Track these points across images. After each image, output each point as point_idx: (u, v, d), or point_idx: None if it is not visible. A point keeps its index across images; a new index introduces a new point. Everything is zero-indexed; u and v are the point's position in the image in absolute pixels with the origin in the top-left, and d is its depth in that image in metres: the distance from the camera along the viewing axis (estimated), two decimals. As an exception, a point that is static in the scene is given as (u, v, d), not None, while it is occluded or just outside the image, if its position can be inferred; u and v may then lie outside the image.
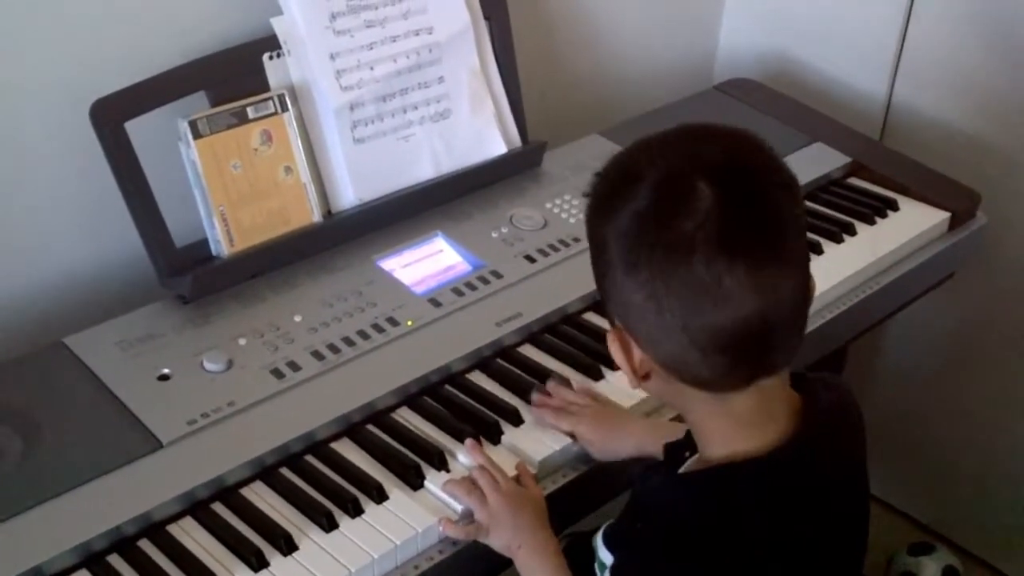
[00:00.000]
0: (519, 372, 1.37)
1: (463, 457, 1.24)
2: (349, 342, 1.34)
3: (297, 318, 1.37)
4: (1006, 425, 2.13)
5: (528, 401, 1.32)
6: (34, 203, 1.42)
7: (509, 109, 1.66)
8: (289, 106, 1.45)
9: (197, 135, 1.37)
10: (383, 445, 1.25)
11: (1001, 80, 1.92)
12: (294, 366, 1.30)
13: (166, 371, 1.28)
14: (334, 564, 1.11)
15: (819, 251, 1.62)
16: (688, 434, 1.05)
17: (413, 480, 1.21)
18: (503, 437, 1.27)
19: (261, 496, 1.19)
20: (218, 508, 1.17)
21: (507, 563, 1.17)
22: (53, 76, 1.37)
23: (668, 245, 0.89)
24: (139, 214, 1.35)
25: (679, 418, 1.18)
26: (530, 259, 1.52)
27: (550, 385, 1.33)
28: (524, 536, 1.14)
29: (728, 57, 2.25)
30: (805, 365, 1.31)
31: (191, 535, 1.14)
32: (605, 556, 1.04)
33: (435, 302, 1.42)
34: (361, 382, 1.30)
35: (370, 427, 1.28)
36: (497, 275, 1.48)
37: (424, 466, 1.22)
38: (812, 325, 1.27)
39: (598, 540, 1.05)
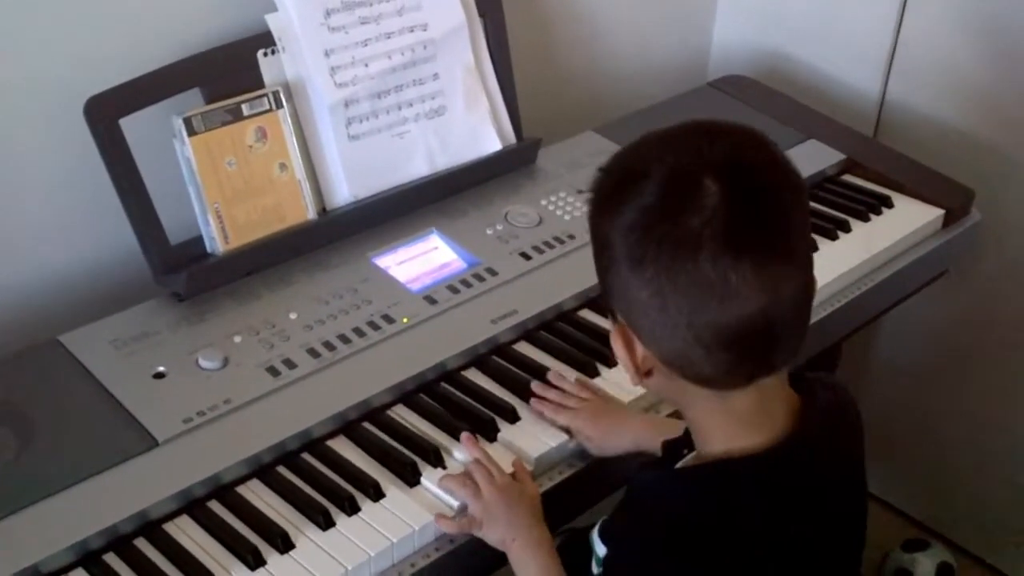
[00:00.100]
0: (515, 369, 1.37)
1: (459, 454, 1.24)
2: (345, 339, 1.34)
3: (292, 315, 1.37)
4: (1001, 422, 2.13)
5: (524, 399, 1.32)
6: (28, 200, 1.41)
7: (504, 106, 1.66)
8: (284, 103, 1.44)
9: (192, 132, 1.37)
10: (379, 443, 1.25)
11: (994, 77, 1.92)
12: (290, 364, 1.30)
13: (161, 369, 1.28)
14: (331, 562, 1.11)
15: (814, 248, 1.62)
16: (686, 432, 1.05)
17: (409, 478, 1.20)
18: (499, 434, 1.27)
19: (258, 494, 1.18)
20: (215, 506, 1.17)
21: (503, 561, 1.17)
22: (48, 73, 1.37)
23: (675, 241, 0.89)
24: (134, 211, 1.35)
25: (677, 414, 1.18)
26: (525, 256, 1.52)
27: (549, 379, 1.33)
28: (518, 530, 1.14)
29: (722, 54, 2.25)
30: (799, 362, 1.31)
31: (188, 533, 1.14)
32: (600, 549, 1.04)
33: (430, 299, 1.42)
34: (357, 380, 1.30)
35: (366, 425, 1.28)
36: (492, 272, 1.48)
37: (420, 463, 1.22)
38: (807, 322, 1.28)
39: (594, 534, 1.05)
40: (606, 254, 0.95)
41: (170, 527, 1.14)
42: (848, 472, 1.04)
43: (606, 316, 1.39)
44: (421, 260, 1.50)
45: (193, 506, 1.16)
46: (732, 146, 0.92)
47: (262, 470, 1.21)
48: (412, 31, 1.55)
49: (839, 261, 1.60)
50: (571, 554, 1.16)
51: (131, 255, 1.38)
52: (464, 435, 1.24)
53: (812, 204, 1.73)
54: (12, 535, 1.08)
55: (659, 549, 0.96)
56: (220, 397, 1.25)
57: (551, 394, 1.31)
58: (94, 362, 1.27)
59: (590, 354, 1.39)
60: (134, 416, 1.21)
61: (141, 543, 1.12)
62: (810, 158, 1.81)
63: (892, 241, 1.67)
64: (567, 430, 1.27)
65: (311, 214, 1.48)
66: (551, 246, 1.54)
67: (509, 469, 1.21)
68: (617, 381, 1.35)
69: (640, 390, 1.30)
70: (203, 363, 1.29)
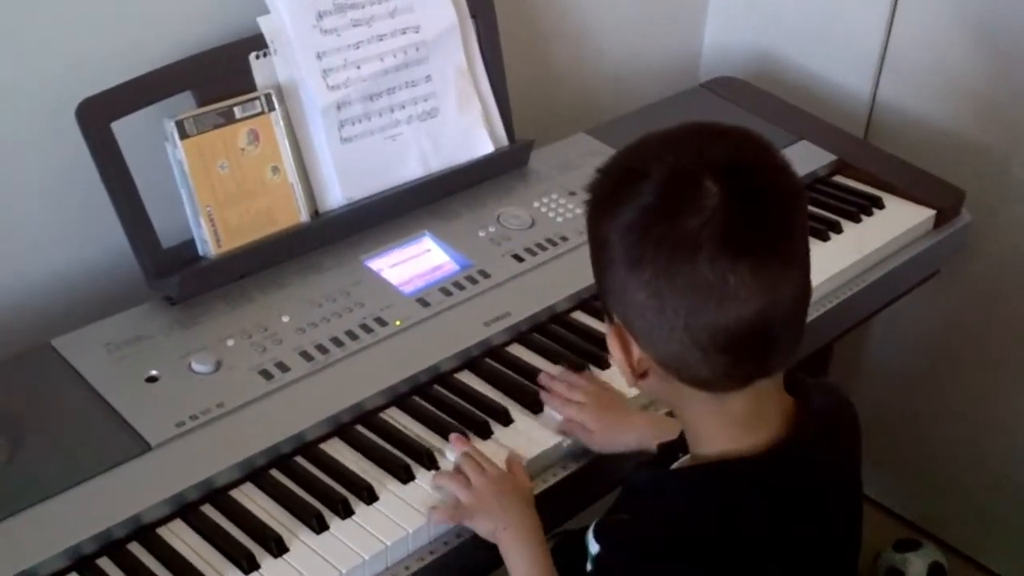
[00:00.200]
0: (508, 372, 1.37)
1: (452, 456, 1.23)
2: (338, 342, 1.34)
3: (285, 319, 1.36)
4: (991, 421, 2.14)
5: (518, 401, 1.32)
6: (19, 204, 1.41)
7: (496, 108, 1.66)
8: (276, 105, 1.44)
9: (184, 135, 1.37)
10: (373, 445, 1.25)
11: (985, 78, 1.93)
12: (283, 367, 1.30)
13: (154, 373, 1.27)
14: (325, 565, 1.11)
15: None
16: (682, 434, 1.05)
17: (403, 480, 1.20)
18: (492, 437, 1.27)
19: (251, 498, 1.18)
20: (208, 510, 1.16)
21: (497, 563, 1.17)
22: (39, 76, 1.36)
23: (673, 242, 0.88)
24: (126, 215, 1.35)
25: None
26: (518, 258, 1.52)
27: (559, 371, 1.33)
28: (509, 518, 1.14)
29: (713, 55, 2.25)
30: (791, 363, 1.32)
31: (181, 538, 1.13)
32: (594, 548, 1.04)
33: (423, 302, 1.42)
34: (350, 382, 1.30)
35: (359, 427, 1.28)
36: (485, 275, 1.48)
37: (414, 466, 1.22)
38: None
39: (589, 535, 1.05)
40: (604, 255, 0.94)
41: (164, 531, 1.14)
42: (845, 474, 1.04)
43: (600, 318, 1.40)
44: (414, 262, 1.50)
45: (186, 510, 1.16)
46: (732, 148, 0.92)
47: (255, 473, 1.21)
48: (404, 33, 1.55)
49: (830, 262, 1.61)
50: (564, 556, 1.16)
51: (123, 259, 1.38)
52: (453, 435, 1.24)
53: (803, 205, 1.73)
54: (5, 540, 1.08)
55: (659, 550, 0.96)
56: (213, 401, 1.25)
57: (558, 386, 1.31)
58: (86, 366, 1.27)
59: (583, 356, 1.39)
60: (127, 420, 1.21)
61: (135, 547, 1.12)
62: (801, 159, 1.80)
63: (883, 242, 1.67)
64: (564, 432, 1.27)
65: (303, 217, 1.48)
66: (544, 248, 1.54)
67: (502, 465, 1.21)
68: (612, 382, 1.34)
69: (636, 390, 1.30)
70: (196, 367, 1.29)
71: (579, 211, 1.57)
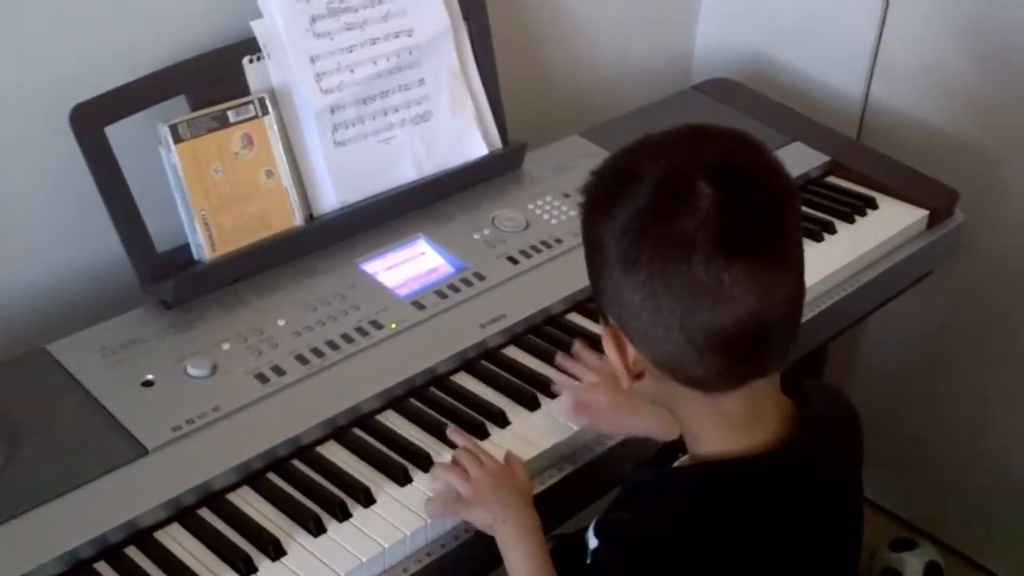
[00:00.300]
0: (504, 373, 1.37)
1: (449, 458, 1.23)
2: (333, 345, 1.34)
3: (280, 322, 1.36)
4: (986, 420, 2.15)
5: (515, 402, 1.32)
6: (13, 209, 1.41)
7: (489, 111, 1.66)
8: (270, 109, 1.44)
9: (178, 139, 1.37)
10: (369, 448, 1.25)
11: (977, 78, 1.94)
12: (278, 370, 1.30)
13: (150, 377, 1.27)
14: (323, 568, 1.11)
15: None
16: (681, 436, 1.05)
17: (400, 482, 1.20)
18: (489, 438, 1.27)
19: (248, 501, 1.18)
20: (205, 514, 1.16)
21: (496, 564, 1.17)
22: (33, 80, 1.36)
23: (668, 243, 0.89)
24: (120, 219, 1.35)
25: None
26: (513, 260, 1.52)
27: (576, 348, 1.34)
28: (507, 511, 1.14)
29: (706, 57, 2.25)
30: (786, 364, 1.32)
31: (178, 541, 1.13)
32: (592, 543, 1.03)
33: (418, 304, 1.42)
34: (346, 385, 1.30)
35: (356, 430, 1.28)
36: (480, 277, 1.48)
37: (411, 468, 1.22)
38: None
39: (590, 533, 1.05)
40: (599, 257, 0.95)
41: (161, 535, 1.14)
42: (845, 475, 1.04)
43: (595, 320, 1.40)
44: (409, 265, 1.50)
45: (184, 514, 1.16)
46: (726, 150, 0.92)
47: (252, 477, 1.21)
48: (397, 36, 1.55)
49: (824, 262, 1.61)
50: (562, 559, 1.16)
51: (118, 263, 1.38)
52: (451, 427, 1.24)
53: (797, 206, 1.74)
54: (2, 544, 1.08)
55: (659, 550, 0.96)
56: (209, 405, 1.24)
57: (573, 367, 1.31)
58: (82, 371, 1.27)
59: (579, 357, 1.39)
60: (123, 425, 1.21)
61: (132, 552, 1.12)
62: (794, 160, 1.81)
63: (877, 242, 1.68)
64: (575, 411, 1.28)
65: (298, 221, 1.48)
66: (538, 250, 1.54)
67: (501, 460, 1.21)
68: (606, 384, 1.35)
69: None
70: (191, 371, 1.28)
71: (573, 213, 1.57)
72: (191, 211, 1.39)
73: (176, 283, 1.36)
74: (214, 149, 1.40)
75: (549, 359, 1.39)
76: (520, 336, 1.44)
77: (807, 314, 1.54)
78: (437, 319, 1.41)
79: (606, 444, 1.30)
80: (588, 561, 1.04)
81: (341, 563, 1.11)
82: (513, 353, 1.41)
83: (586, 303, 1.48)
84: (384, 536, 1.14)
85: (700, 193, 0.89)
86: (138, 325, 1.34)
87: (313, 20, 1.48)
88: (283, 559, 1.11)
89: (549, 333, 1.45)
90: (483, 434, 1.27)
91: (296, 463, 1.23)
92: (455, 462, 1.20)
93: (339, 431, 1.27)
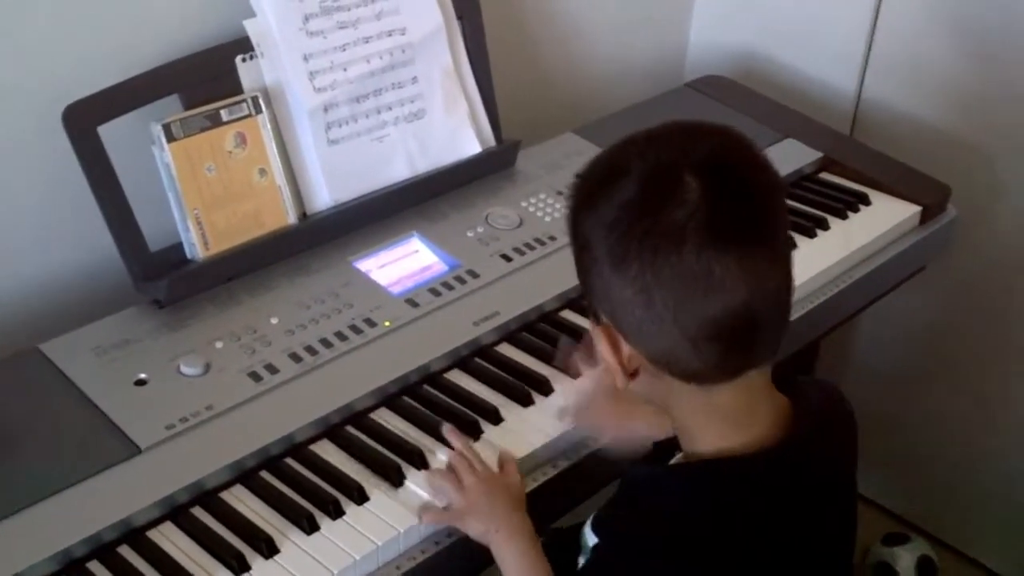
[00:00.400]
0: (497, 371, 1.37)
1: (443, 456, 1.24)
2: (327, 344, 1.34)
3: (274, 320, 1.37)
4: (978, 416, 2.15)
5: (509, 398, 1.32)
6: (5, 208, 1.40)
7: (483, 108, 1.66)
8: (263, 108, 1.44)
9: (171, 138, 1.37)
10: (363, 446, 1.25)
11: (970, 74, 1.94)
12: (272, 369, 1.30)
13: (143, 376, 1.27)
14: (316, 566, 1.11)
15: (793, 246, 1.63)
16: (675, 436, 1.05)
17: (394, 480, 1.21)
18: (482, 436, 1.27)
19: (241, 500, 1.18)
20: (198, 513, 1.16)
21: (488, 562, 1.17)
22: (25, 80, 1.36)
23: (658, 236, 0.89)
24: (113, 218, 1.35)
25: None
26: (506, 258, 1.52)
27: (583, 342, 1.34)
28: (501, 520, 1.14)
29: (699, 54, 2.26)
30: (780, 359, 1.32)
31: (172, 540, 1.13)
32: (591, 540, 1.04)
33: (412, 302, 1.42)
34: (339, 383, 1.30)
35: (349, 428, 1.28)
36: (473, 274, 1.48)
37: (404, 466, 1.22)
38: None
39: (586, 529, 1.06)
40: (587, 255, 0.95)
41: (154, 534, 1.14)
42: (839, 472, 1.04)
43: (589, 317, 1.40)
44: (402, 263, 1.50)
45: (177, 513, 1.16)
46: (713, 144, 0.93)
47: (245, 475, 1.21)
48: (390, 35, 1.55)
49: (817, 259, 1.61)
50: (555, 554, 1.16)
51: (111, 262, 1.38)
52: (447, 426, 1.24)
53: (790, 202, 1.74)
54: (-5, 544, 1.08)
55: (657, 548, 0.96)
56: (202, 403, 1.24)
57: (577, 354, 1.31)
58: (75, 370, 1.27)
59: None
60: (116, 424, 1.21)
61: (125, 551, 1.12)
62: (788, 157, 1.82)
63: (870, 238, 1.68)
64: (575, 399, 1.29)
65: (291, 219, 1.48)
66: (532, 248, 1.54)
67: (494, 461, 1.22)
68: (599, 381, 1.35)
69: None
70: (185, 369, 1.28)
71: (565, 212, 1.57)
72: (184, 210, 1.39)
73: (169, 282, 1.36)
74: (207, 148, 1.40)
75: (542, 356, 1.40)
76: (513, 333, 1.44)
77: (800, 310, 1.55)
78: (430, 317, 1.41)
79: (599, 440, 1.30)
80: (586, 557, 1.04)
81: (334, 561, 1.11)
82: (506, 350, 1.41)
83: (580, 300, 1.48)
84: (377, 534, 1.14)
85: (687, 186, 0.89)
86: (131, 324, 1.34)
87: (306, 19, 1.48)
88: (276, 557, 1.12)
89: (542, 330, 1.45)
90: (477, 431, 1.27)
91: (289, 461, 1.23)
92: (449, 468, 1.20)
93: (332, 429, 1.27)
